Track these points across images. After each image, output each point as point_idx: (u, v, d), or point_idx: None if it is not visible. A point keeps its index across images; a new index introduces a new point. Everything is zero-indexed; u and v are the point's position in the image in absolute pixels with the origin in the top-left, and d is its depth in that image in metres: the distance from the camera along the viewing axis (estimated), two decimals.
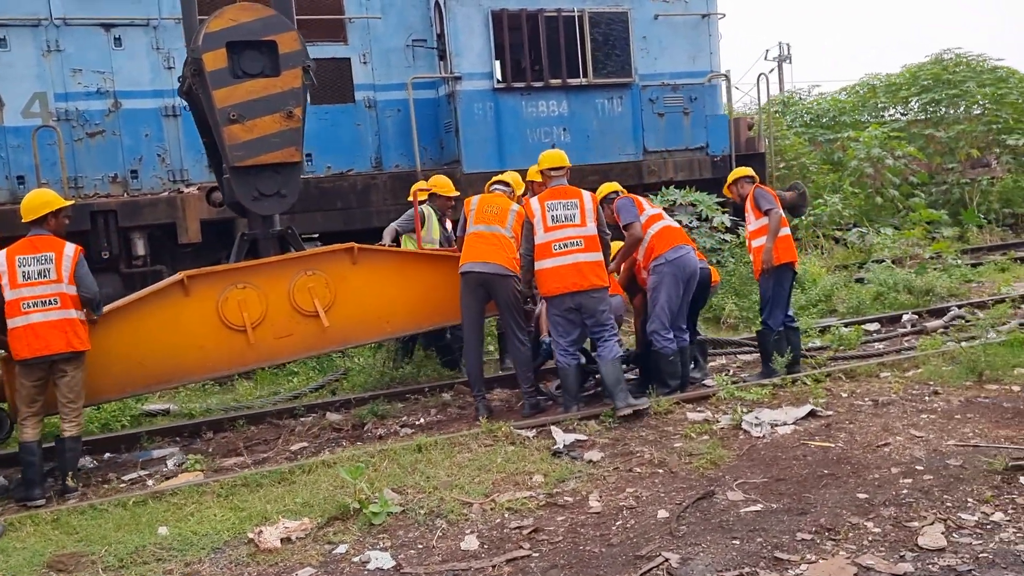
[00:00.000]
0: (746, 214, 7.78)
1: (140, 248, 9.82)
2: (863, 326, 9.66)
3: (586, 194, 6.93)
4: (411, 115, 11.03)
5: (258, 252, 7.29)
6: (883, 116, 22.71)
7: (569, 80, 11.68)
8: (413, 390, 8.05)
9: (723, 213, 11.43)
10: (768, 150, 13.70)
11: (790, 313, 7.73)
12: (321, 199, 10.59)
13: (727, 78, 12.89)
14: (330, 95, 11.06)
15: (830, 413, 6.23)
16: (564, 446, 5.80)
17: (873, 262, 12.92)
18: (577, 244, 6.73)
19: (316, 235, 10.77)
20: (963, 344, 7.47)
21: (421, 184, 8.65)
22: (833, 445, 5.56)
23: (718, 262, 11.12)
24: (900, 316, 10.04)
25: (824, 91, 32.96)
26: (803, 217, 15.87)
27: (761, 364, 7.81)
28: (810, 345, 8.80)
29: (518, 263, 6.99)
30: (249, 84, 6.77)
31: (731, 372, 8.28)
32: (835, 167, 20.36)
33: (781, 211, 7.53)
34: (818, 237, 15.90)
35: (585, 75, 11.77)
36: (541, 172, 7.13)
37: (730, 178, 7.98)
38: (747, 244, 8.06)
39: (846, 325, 9.55)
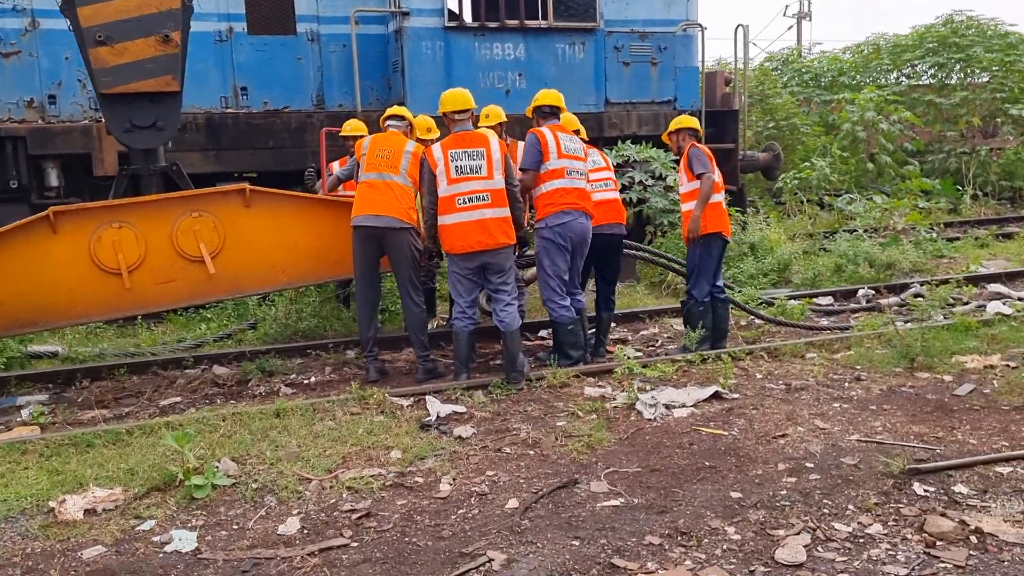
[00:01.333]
0: (679, 174, 7.18)
1: (53, 179, 9.26)
2: (814, 299, 9.11)
3: (493, 141, 6.35)
4: (353, 51, 10.36)
5: (139, 190, 6.73)
6: (886, 79, 21.82)
7: (527, 22, 10.95)
8: (316, 345, 7.55)
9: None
10: (742, 107, 12.98)
11: (719, 284, 7.17)
12: (252, 136, 9.98)
13: (702, 28, 12.11)
14: (270, 25, 10.38)
15: (736, 396, 5.71)
16: (436, 419, 5.30)
17: (845, 232, 12.31)
18: (483, 199, 6.17)
19: (255, 174, 10.21)
20: (900, 326, 6.91)
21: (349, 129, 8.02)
22: (726, 433, 5.05)
23: (670, 223, 10.54)
24: (856, 291, 9.48)
25: (826, 49, 31.92)
26: (786, 180, 15.25)
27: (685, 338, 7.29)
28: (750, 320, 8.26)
29: (414, 212, 6.43)
30: (119, 3, 6.13)
31: (660, 344, 7.76)
32: (828, 130, 19.63)
33: (715, 176, 6.94)
34: (802, 203, 15.26)
35: (545, 17, 11.03)
36: (444, 116, 6.52)
37: (672, 126, 7.36)
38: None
39: (795, 298, 9.00)
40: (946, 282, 8.97)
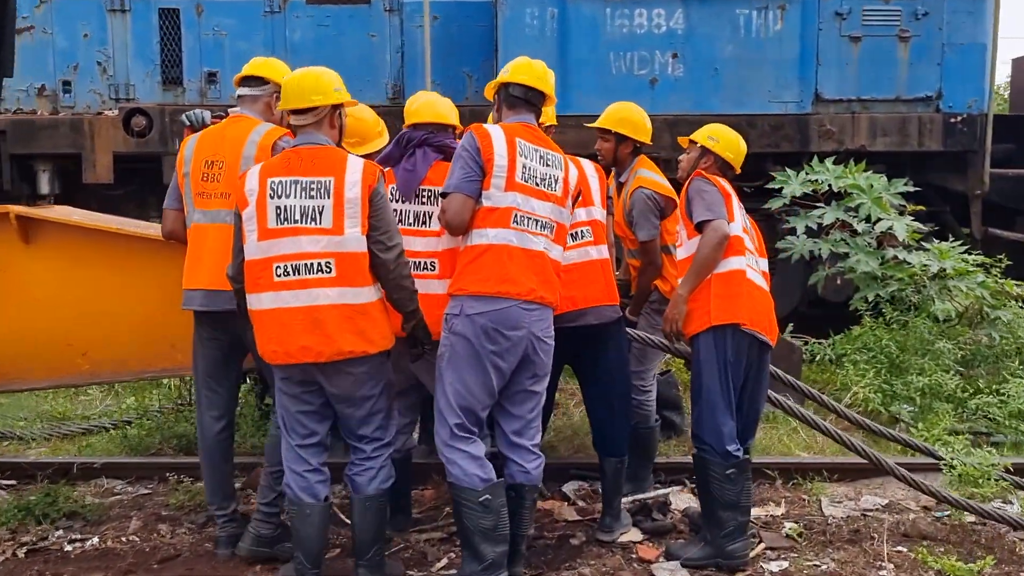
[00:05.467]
0: (678, 224, 4.02)
1: (44, 184, 7.49)
2: None
3: (353, 164, 3.28)
4: (425, 19, 7.48)
5: None
6: None
7: None
8: (167, 466, 4.76)
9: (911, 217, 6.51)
10: None
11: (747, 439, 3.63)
12: None
13: None
14: None
15: None
16: None
17: None
18: (319, 269, 3.12)
19: None
20: None
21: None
22: None
23: (888, 300, 6.30)
24: None
25: None
26: None
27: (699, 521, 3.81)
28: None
29: None
30: None
31: (672, 534, 3.99)
32: None
33: (726, 225, 3.68)
34: None
35: None
36: (284, 118, 3.54)
37: (701, 134, 4.10)
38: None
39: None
40: None
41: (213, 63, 7.83)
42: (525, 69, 3.59)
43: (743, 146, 4.09)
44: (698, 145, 4.04)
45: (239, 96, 4.00)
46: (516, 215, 3.41)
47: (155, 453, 4.96)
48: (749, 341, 3.75)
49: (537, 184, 3.47)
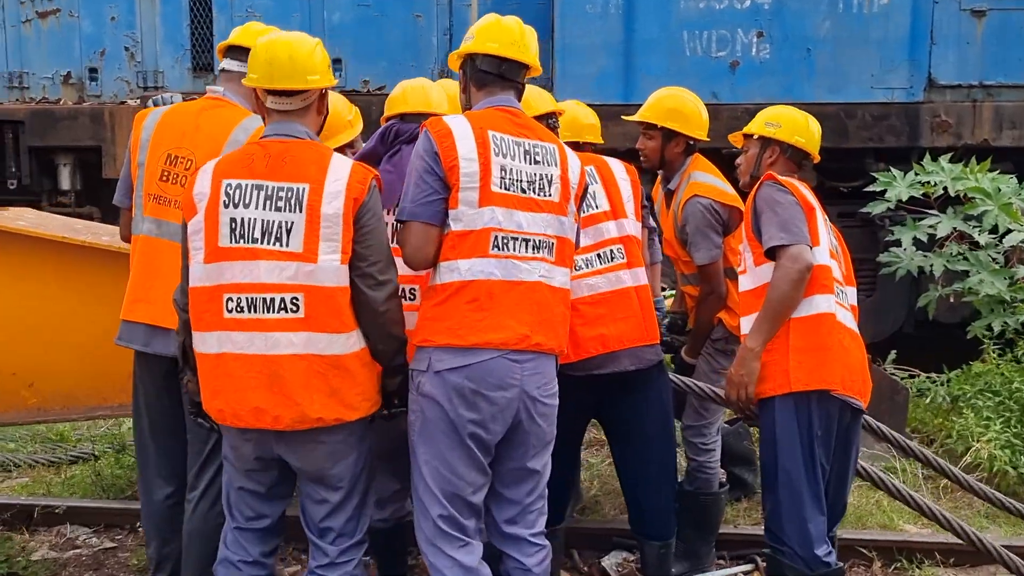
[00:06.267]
0: (742, 243, 2.95)
1: (65, 178, 6.97)
2: None
3: (337, 168, 2.54)
4: (474, 1, 6.66)
5: None
6: None
7: None
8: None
9: None
10: None
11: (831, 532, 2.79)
12: None
13: None
14: None
15: None
16: None
17: None
18: (283, 307, 2.40)
19: None
20: None
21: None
22: None
23: (1016, 330, 5.15)
24: None
25: None
26: None
27: None
28: None
29: None
30: None
31: None
32: None
33: (809, 252, 2.73)
34: None
35: None
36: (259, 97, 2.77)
37: (758, 121, 3.14)
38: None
39: None
40: None
41: None
42: (494, 33, 2.70)
43: (815, 127, 3.12)
44: (755, 138, 3.10)
45: (221, 71, 3.25)
46: (497, 237, 2.55)
47: (131, 497, 4.26)
48: (840, 407, 2.80)
49: (524, 190, 2.60)
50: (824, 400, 2.77)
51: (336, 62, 7.06)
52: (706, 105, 3.74)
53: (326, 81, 2.62)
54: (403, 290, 2.82)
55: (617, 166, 3.20)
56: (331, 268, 2.44)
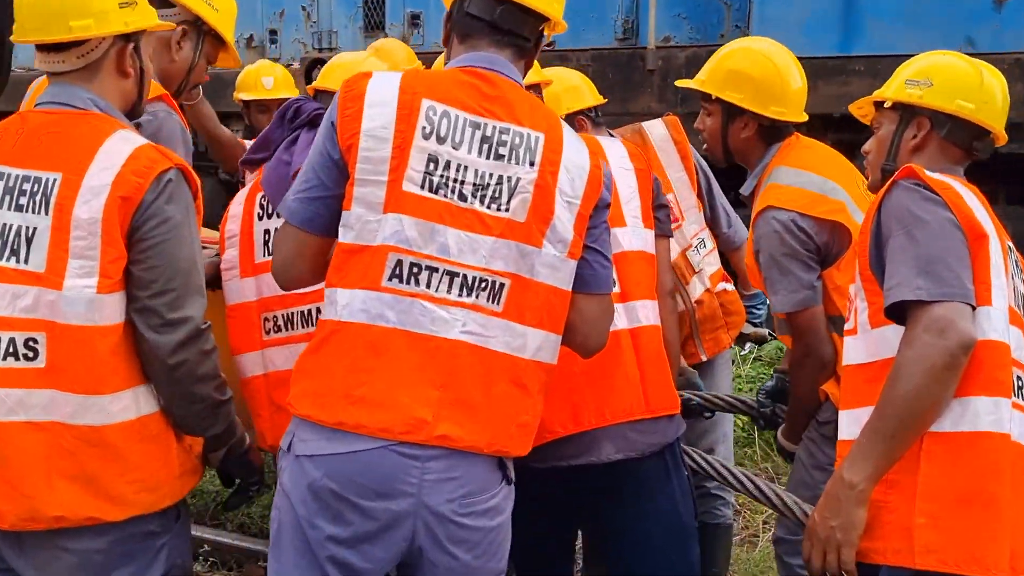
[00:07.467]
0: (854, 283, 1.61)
1: None
2: None
3: (110, 151, 1.86)
4: None
5: None
6: None
7: None
8: None
9: None
10: None
11: None
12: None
13: None
14: None
15: None
16: None
17: None
18: (14, 351, 1.82)
19: None
20: None
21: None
22: None
23: None
24: None
25: None
26: None
27: None
28: None
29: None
30: None
31: None
32: None
33: (968, 320, 1.43)
34: None
35: None
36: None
37: (892, 83, 1.80)
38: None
39: None
40: None
41: (417, 3, 6.61)
42: None
43: (999, 86, 1.81)
44: (890, 107, 1.82)
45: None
46: (400, 263, 1.64)
47: None
48: None
49: (464, 197, 1.67)
50: None
51: (414, 18, 6.34)
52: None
53: (108, 26, 1.80)
54: (308, 312, 2.00)
55: (616, 150, 2.10)
56: (81, 299, 1.68)
